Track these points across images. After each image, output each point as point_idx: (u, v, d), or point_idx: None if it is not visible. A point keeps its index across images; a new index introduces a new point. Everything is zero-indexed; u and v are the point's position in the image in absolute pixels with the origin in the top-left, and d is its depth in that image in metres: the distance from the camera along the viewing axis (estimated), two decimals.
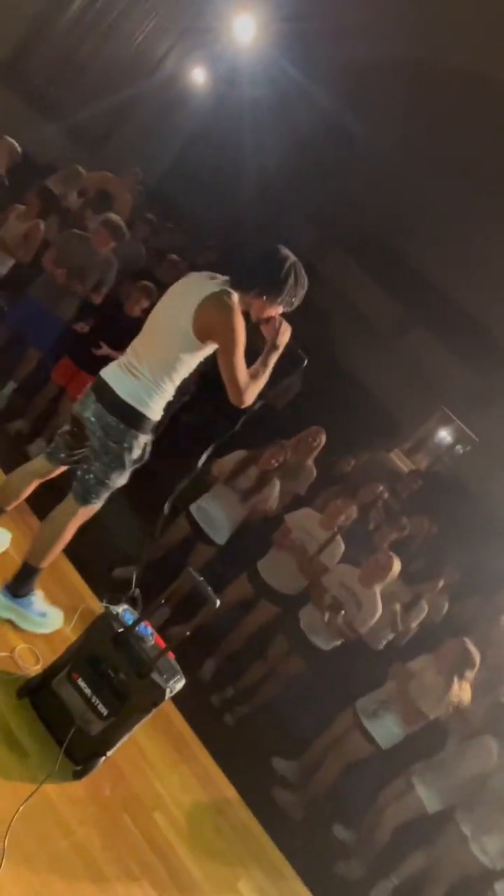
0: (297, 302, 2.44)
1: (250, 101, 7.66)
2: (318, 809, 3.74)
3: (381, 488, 5.32)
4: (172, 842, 2.43)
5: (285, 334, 2.46)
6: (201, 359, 2.42)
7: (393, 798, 3.56)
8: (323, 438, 4.76)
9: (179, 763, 2.79)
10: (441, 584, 4.61)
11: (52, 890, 1.97)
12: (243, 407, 2.41)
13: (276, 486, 4.26)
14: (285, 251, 2.41)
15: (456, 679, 3.55)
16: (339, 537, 4.12)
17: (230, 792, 2.90)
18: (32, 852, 2.01)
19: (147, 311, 4.67)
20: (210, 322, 2.28)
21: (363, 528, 4.89)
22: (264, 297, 2.37)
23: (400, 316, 8.61)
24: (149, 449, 2.54)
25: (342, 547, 4.13)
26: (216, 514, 4.21)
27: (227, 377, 2.35)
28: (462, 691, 3.55)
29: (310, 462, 4.83)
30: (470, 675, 3.62)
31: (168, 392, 2.44)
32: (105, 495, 2.55)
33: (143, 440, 2.48)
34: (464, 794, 3.43)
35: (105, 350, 4.64)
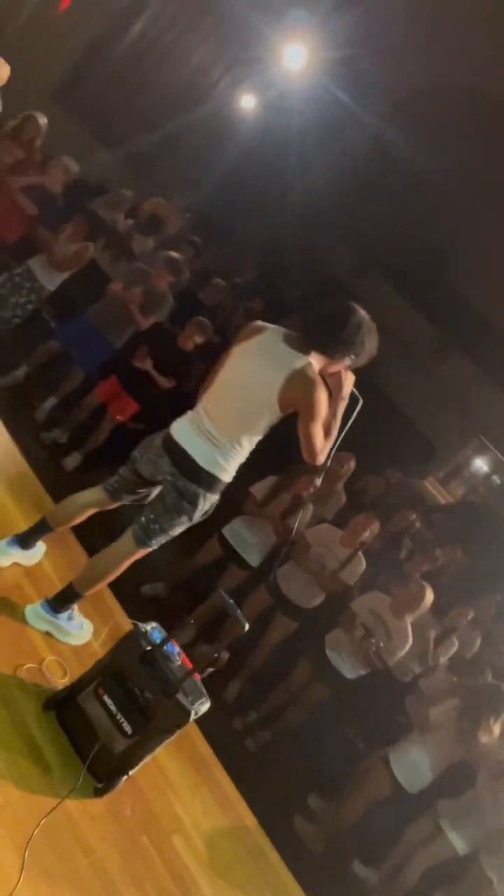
0: (365, 359, 2.48)
1: (298, 126, 7.76)
2: (339, 844, 3.66)
3: (414, 516, 5.26)
4: (190, 867, 2.41)
5: (349, 383, 2.49)
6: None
7: (421, 840, 3.47)
8: (352, 465, 4.73)
9: (200, 786, 2.76)
10: (471, 616, 4.51)
11: None
12: (318, 465, 2.47)
13: (310, 511, 4.25)
14: (358, 312, 2.45)
15: (483, 721, 3.46)
16: (360, 554, 4.07)
17: (250, 819, 2.86)
18: (51, 867, 2.01)
19: (200, 347, 4.85)
20: (296, 397, 2.35)
21: (395, 557, 4.83)
22: (337, 358, 2.42)
23: (439, 341, 8.56)
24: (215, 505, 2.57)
25: (363, 564, 4.09)
26: (249, 537, 4.21)
27: (306, 441, 2.40)
28: (490, 731, 3.47)
29: (339, 487, 4.80)
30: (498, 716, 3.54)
31: (244, 455, 2.49)
32: (164, 541, 2.58)
33: (215, 499, 2.53)
34: (492, 838, 3.33)
35: (146, 365, 4.74)
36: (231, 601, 2.43)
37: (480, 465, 8.22)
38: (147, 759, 2.38)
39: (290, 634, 4.12)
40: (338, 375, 2.45)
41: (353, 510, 5.03)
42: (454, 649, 4.25)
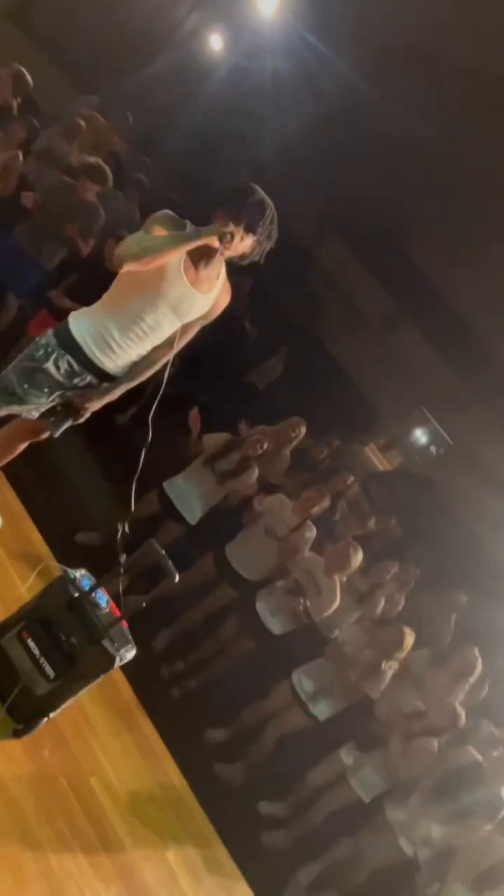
0: (274, 232, 2.28)
1: (266, 71, 7.52)
2: (253, 785, 3.78)
3: (352, 479, 5.34)
4: (106, 809, 2.45)
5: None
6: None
7: (327, 784, 3.63)
8: (303, 430, 4.74)
9: (123, 731, 2.80)
10: (395, 572, 4.62)
11: None
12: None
13: (255, 473, 4.25)
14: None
15: (385, 661, 3.68)
16: (309, 522, 4.13)
17: (169, 764, 2.92)
18: None
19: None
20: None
21: (329, 518, 4.90)
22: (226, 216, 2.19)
23: (392, 311, 8.59)
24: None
25: (313, 531, 4.15)
26: (191, 493, 4.19)
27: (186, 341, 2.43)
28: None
29: (286, 451, 4.82)
30: (399, 656, 3.77)
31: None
32: None
33: None
34: (399, 790, 3.50)
35: (69, 304, 4.46)
36: (162, 552, 2.43)
37: (420, 435, 8.39)
38: (69, 703, 2.39)
39: (229, 601, 4.16)
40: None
41: (296, 471, 5.09)
42: (380, 608, 4.37)
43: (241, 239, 2.21)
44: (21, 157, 4.74)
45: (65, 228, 4.59)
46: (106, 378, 2.42)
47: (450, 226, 7.82)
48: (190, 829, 2.78)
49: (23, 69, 5.24)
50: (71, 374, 2.37)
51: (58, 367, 2.36)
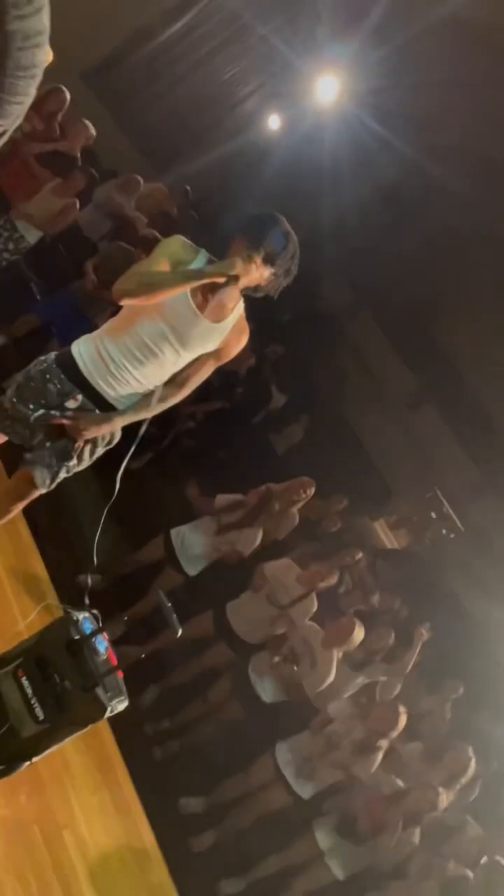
0: (293, 269, 2.18)
1: (318, 154, 7.87)
2: (225, 857, 3.63)
3: (360, 555, 5.31)
4: (75, 865, 2.37)
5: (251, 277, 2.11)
6: None
7: (302, 865, 3.51)
8: (312, 491, 4.75)
9: (101, 786, 2.73)
10: (392, 644, 4.53)
11: None
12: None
13: (259, 534, 4.23)
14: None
15: (379, 739, 3.60)
16: (313, 595, 4.09)
17: (144, 828, 2.83)
18: None
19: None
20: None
21: (334, 591, 4.86)
22: (246, 242, 2.11)
23: (415, 391, 8.71)
24: None
25: (315, 605, 4.10)
26: (194, 545, 4.18)
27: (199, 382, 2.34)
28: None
29: (294, 510, 4.82)
30: (392, 736, 3.70)
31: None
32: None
33: None
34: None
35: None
36: (168, 604, 2.42)
37: (432, 517, 8.35)
38: (53, 749, 2.34)
39: (224, 662, 4.09)
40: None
41: (306, 540, 5.07)
42: (378, 688, 4.27)
43: (258, 268, 2.10)
44: (78, 206, 4.97)
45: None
46: (100, 403, 2.25)
47: (480, 316, 8.00)
48: None
49: (89, 124, 5.54)
50: (62, 392, 2.23)
51: (49, 382, 2.24)
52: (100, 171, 6.10)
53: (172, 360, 2.21)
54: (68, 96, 5.42)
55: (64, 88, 5.41)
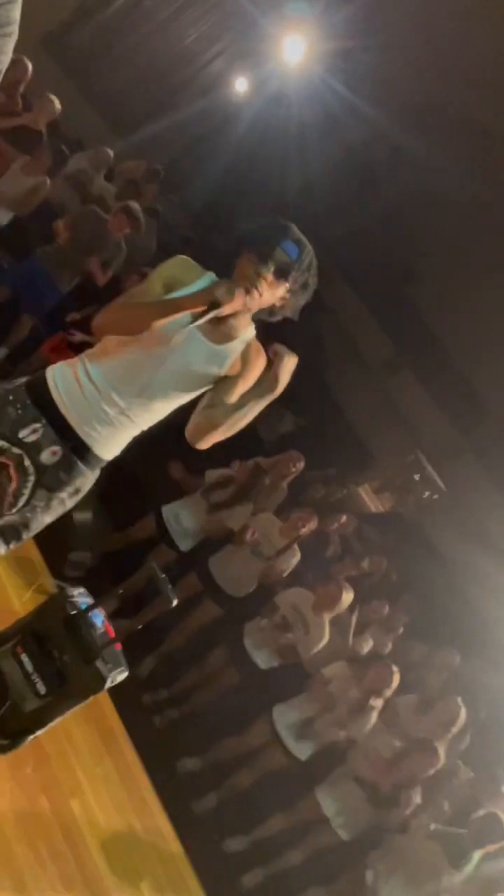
0: (311, 281, 1.88)
1: (287, 115, 7.76)
2: (231, 818, 3.73)
3: (345, 519, 5.38)
4: (84, 832, 2.43)
5: (288, 370, 1.81)
6: None
7: (305, 825, 3.61)
8: (301, 465, 4.79)
9: (105, 755, 2.78)
10: (386, 614, 4.64)
11: None
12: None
13: (249, 509, 4.28)
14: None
15: (373, 698, 3.68)
16: (295, 545, 4.15)
17: (149, 793, 2.90)
18: None
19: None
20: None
21: (322, 556, 4.93)
22: (254, 257, 1.79)
23: (392, 355, 8.75)
24: None
25: (298, 556, 4.16)
26: (186, 522, 4.22)
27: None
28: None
29: (284, 484, 4.86)
30: (386, 694, 3.77)
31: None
32: None
33: None
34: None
35: (80, 337, 4.52)
36: (163, 575, 2.46)
37: (414, 479, 8.47)
38: (56, 722, 2.38)
39: (213, 619, 4.15)
40: (280, 357, 1.80)
41: (292, 507, 5.12)
42: (370, 646, 4.37)
43: (270, 286, 1.80)
44: (48, 183, 4.88)
45: (87, 258, 4.71)
46: (67, 437, 1.79)
47: (455, 277, 8.02)
48: (165, 860, 2.75)
49: (54, 98, 5.41)
50: (20, 419, 1.78)
51: (9, 403, 1.80)
52: (65, 141, 5.97)
53: (165, 402, 1.84)
54: (30, 66, 5.27)
55: (25, 59, 5.26)
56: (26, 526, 1.87)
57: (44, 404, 1.80)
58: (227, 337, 1.84)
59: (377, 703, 3.73)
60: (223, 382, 1.85)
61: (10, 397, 1.81)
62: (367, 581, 5.05)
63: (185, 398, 1.87)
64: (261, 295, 1.80)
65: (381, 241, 8.02)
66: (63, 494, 1.84)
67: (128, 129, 8.03)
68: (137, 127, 7.99)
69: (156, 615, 3.66)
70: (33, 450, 1.78)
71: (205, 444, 1.87)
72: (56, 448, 1.79)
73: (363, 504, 7.36)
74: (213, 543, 4.32)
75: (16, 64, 5.17)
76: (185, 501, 4.27)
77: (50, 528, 3.32)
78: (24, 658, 2.35)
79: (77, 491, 1.86)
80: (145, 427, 1.87)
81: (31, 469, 1.79)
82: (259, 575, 4.09)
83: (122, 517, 4.53)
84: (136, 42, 8.62)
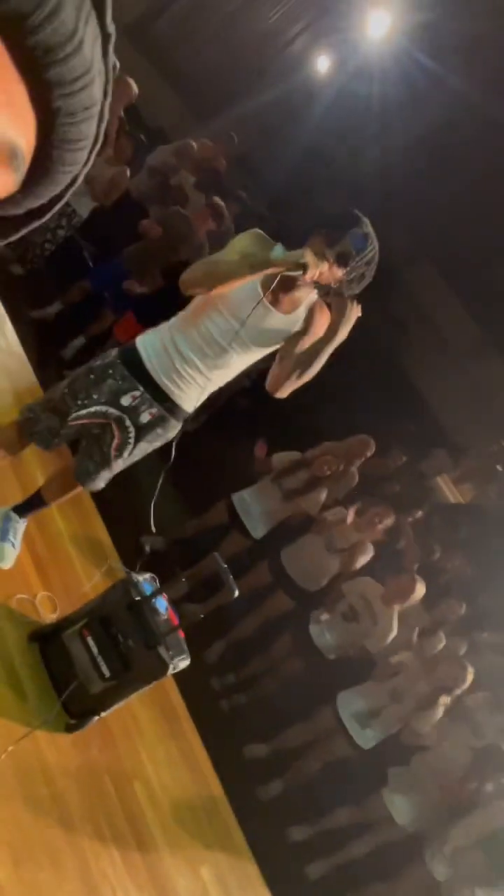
0: (359, 281, 2.07)
1: (373, 93, 7.52)
2: (293, 806, 3.74)
3: (421, 512, 5.24)
4: (146, 814, 2.48)
5: (350, 321, 2.09)
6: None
7: (367, 818, 3.57)
8: (371, 450, 4.69)
9: (169, 738, 2.83)
10: (461, 612, 4.50)
11: (24, 832, 2.03)
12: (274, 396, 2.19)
13: (324, 493, 4.23)
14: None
15: (443, 696, 3.58)
16: (369, 542, 4.08)
17: (212, 777, 2.93)
18: (13, 791, 2.08)
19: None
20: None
21: (393, 547, 4.82)
22: (323, 239, 2.00)
23: (478, 341, 8.42)
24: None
25: (371, 552, 4.09)
26: (257, 509, 4.21)
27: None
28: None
29: (354, 469, 4.78)
30: (457, 693, 3.66)
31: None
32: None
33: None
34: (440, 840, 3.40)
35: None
36: (225, 566, 2.45)
37: (497, 470, 8.14)
38: (120, 704, 2.43)
39: (284, 611, 4.15)
40: (341, 309, 2.08)
41: (365, 496, 5.03)
42: (441, 645, 4.25)
43: (330, 267, 1.99)
44: (128, 173, 4.94)
45: (172, 258, 4.76)
46: (162, 399, 2.17)
47: None
48: (226, 846, 2.78)
49: (132, 82, 5.42)
50: (119, 389, 2.16)
51: (110, 378, 2.17)
52: (145, 130, 6.02)
53: (242, 359, 2.15)
54: (135, 88, 5.29)
55: (130, 80, 5.27)
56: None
57: (141, 375, 2.16)
58: (294, 305, 2.12)
59: (446, 699, 3.62)
60: (293, 338, 2.13)
61: (110, 371, 2.18)
62: (444, 576, 4.90)
63: (259, 356, 2.19)
64: (321, 273, 2.00)
65: (469, 220, 7.67)
66: (157, 443, 2.28)
67: (209, 116, 8.01)
68: (219, 113, 7.96)
69: (219, 605, 3.70)
70: (133, 413, 2.19)
71: (283, 393, 2.17)
72: (154, 410, 2.19)
73: (442, 495, 7.13)
74: (286, 532, 4.31)
75: (119, 84, 5.20)
76: (256, 488, 4.26)
77: (122, 512, 3.40)
78: (90, 641, 2.41)
79: (167, 438, 2.28)
80: (223, 383, 2.23)
81: (131, 428, 2.21)
82: (333, 568, 4.04)
83: (197, 503, 4.58)
84: (217, 26, 8.57)
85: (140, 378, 2.16)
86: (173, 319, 2.22)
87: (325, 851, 3.56)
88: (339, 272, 2.01)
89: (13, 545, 2.51)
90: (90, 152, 0.43)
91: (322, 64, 8.38)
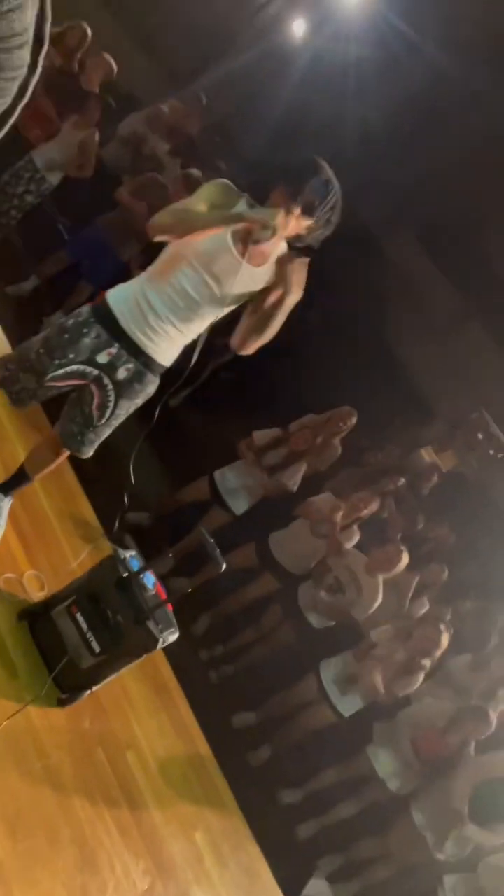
0: (323, 229, 2.14)
1: (348, 56, 7.40)
2: (281, 769, 3.83)
3: (403, 480, 5.28)
4: (140, 782, 2.53)
5: (301, 278, 2.12)
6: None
7: (354, 779, 3.68)
8: (353, 421, 4.71)
9: (160, 710, 2.87)
10: (444, 577, 4.59)
11: (19, 805, 2.07)
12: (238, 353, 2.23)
13: (303, 468, 4.26)
14: (328, 170, 2.15)
15: (421, 658, 3.67)
16: (355, 526, 4.12)
17: (203, 746, 2.99)
18: (6, 767, 2.11)
19: None
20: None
21: (377, 517, 4.87)
22: (285, 191, 2.06)
23: (459, 311, 8.42)
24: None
25: (357, 535, 4.14)
26: (238, 485, 4.23)
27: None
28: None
29: (336, 441, 4.80)
30: (436, 655, 3.75)
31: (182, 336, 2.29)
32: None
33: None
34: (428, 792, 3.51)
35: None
36: (211, 540, 2.47)
37: (478, 438, 8.22)
38: (111, 678, 2.47)
39: (270, 592, 4.20)
40: (295, 267, 2.11)
41: (347, 466, 5.06)
42: (424, 610, 4.34)
43: (297, 219, 2.07)
44: (97, 136, 4.81)
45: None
46: (137, 353, 2.19)
47: None
48: (218, 811, 2.85)
49: (110, 59, 5.29)
50: (96, 347, 2.17)
51: (85, 337, 2.17)
52: (117, 97, 5.87)
53: (214, 310, 2.17)
54: (89, 32, 5.15)
55: (84, 25, 5.14)
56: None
57: (115, 330, 2.17)
58: (265, 259, 2.15)
59: (425, 663, 3.70)
60: (263, 292, 2.16)
61: (84, 329, 2.18)
62: (426, 544, 4.97)
63: (228, 310, 2.20)
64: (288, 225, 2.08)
65: (447, 188, 7.63)
66: (138, 400, 2.30)
67: (183, 81, 7.83)
68: (192, 78, 7.78)
69: (206, 579, 3.73)
70: (110, 370, 2.20)
71: (249, 349, 2.21)
72: (129, 366, 2.20)
73: (423, 464, 7.20)
74: (269, 509, 4.33)
75: (73, 30, 5.07)
76: (237, 465, 4.28)
77: (106, 489, 3.39)
78: (80, 617, 2.43)
79: (147, 394, 2.30)
80: (195, 336, 2.24)
81: (109, 385, 2.22)
82: (319, 553, 4.08)
83: (181, 479, 4.59)
84: None
85: (114, 333, 2.18)
86: (143, 274, 2.24)
87: (315, 812, 3.66)
88: (306, 222, 2.09)
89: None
90: (35, 55, 0.41)
91: (298, 27, 8.21)
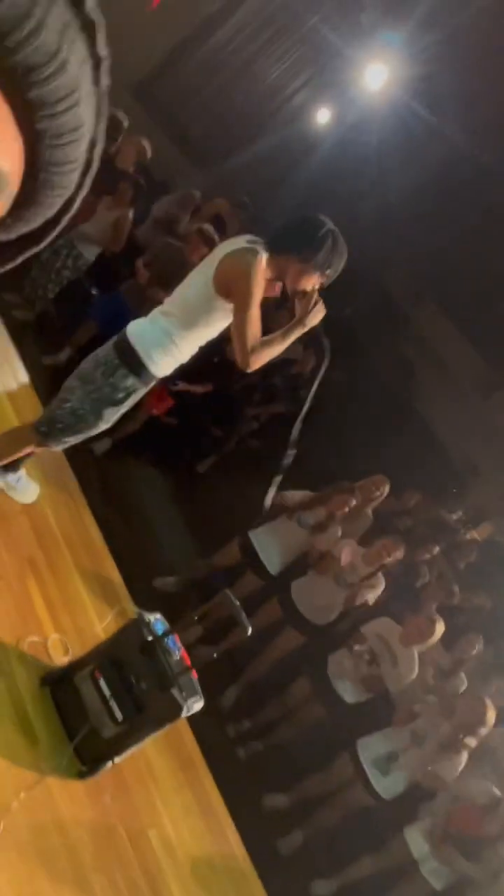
0: (333, 273, 2.41)
1: (373, 143, 7.74)
2: (313, 858, 3.58)
3: (438, 549, 5.16)
4: (163, 865, 2.38)
5: (318, 315, 2.43)
6: (220, 323, 2.45)
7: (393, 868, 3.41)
8: (386, 489, 4.65)
9: (185, 786, 2.74)
10: (480, 650, 4.39)
11: (36, 885, 1.96)
12: (247, 371, 2.44)
13: (339, 531, 4.19)
14: (324, 218, 2.43)
15: (465, 736, 3.45)
16: (380, 574, 4.00)
17: (229, 827, 2.82)
18: (25, 842, 2.01)
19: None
20: (229, 275, 2.33)
21: (411, 586, 4.73)
22: (299, 260, 2.35)
23: (487, 378, 8.44)
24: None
25: (383, 584, 4.01)
26: (274, 544, 4.17)
27: (236, 334, 2.36)
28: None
29: (369, 509, 4.74)
30: (482, 733, 3.51)
31: (182, 349, 2.52)
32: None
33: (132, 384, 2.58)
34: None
35: (183, 387, 4.76)
36: (237, 603, 2.41)
37: None
38: (134, 749, 2.36)
39: (295, 647, 4.06)
40: (307, 301, 2.40)
41: (379, 536, 4.97)
42: (464, 687, 4.14)
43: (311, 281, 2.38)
44: (130, 216, 5.04)
45: (162, 293, 4.83)
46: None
47: None
48: None
49: (146, 143, 5.61)
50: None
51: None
52: (151, 183, 6.19)
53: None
54: (126, 122, 5.48)
55: (120, 114, 5.47)
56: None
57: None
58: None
59: (470, 741, 3.49)
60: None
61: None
62: (462, 615, 4.80)
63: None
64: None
65: (470, 261, 7.79)
66: (116, 393, 2.68)
67: (213, 168, 8.26)
68: (222, 164, 8.20)
69: (233, 644, 3.62)
70: None
71: (256, 365, 2.40)
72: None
73: (457, 532, 7.04)
74: (295, 569, 4.25)
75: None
76: (271, 525, 4.23)
77: (134, 553, 3.37)
78: (102, 683, 2.36)
79: (124, 390, 2.64)
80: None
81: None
82: (343, 602, 3.97)
83: (209, 545, 4.54)
84: (221, 84, 8.91)
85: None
86: (178, 325, 2.49)
87: None
88: (324, 277, 2.39)
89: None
90: (83, 175, 0.43)
91: (322, 116, 8.66)
